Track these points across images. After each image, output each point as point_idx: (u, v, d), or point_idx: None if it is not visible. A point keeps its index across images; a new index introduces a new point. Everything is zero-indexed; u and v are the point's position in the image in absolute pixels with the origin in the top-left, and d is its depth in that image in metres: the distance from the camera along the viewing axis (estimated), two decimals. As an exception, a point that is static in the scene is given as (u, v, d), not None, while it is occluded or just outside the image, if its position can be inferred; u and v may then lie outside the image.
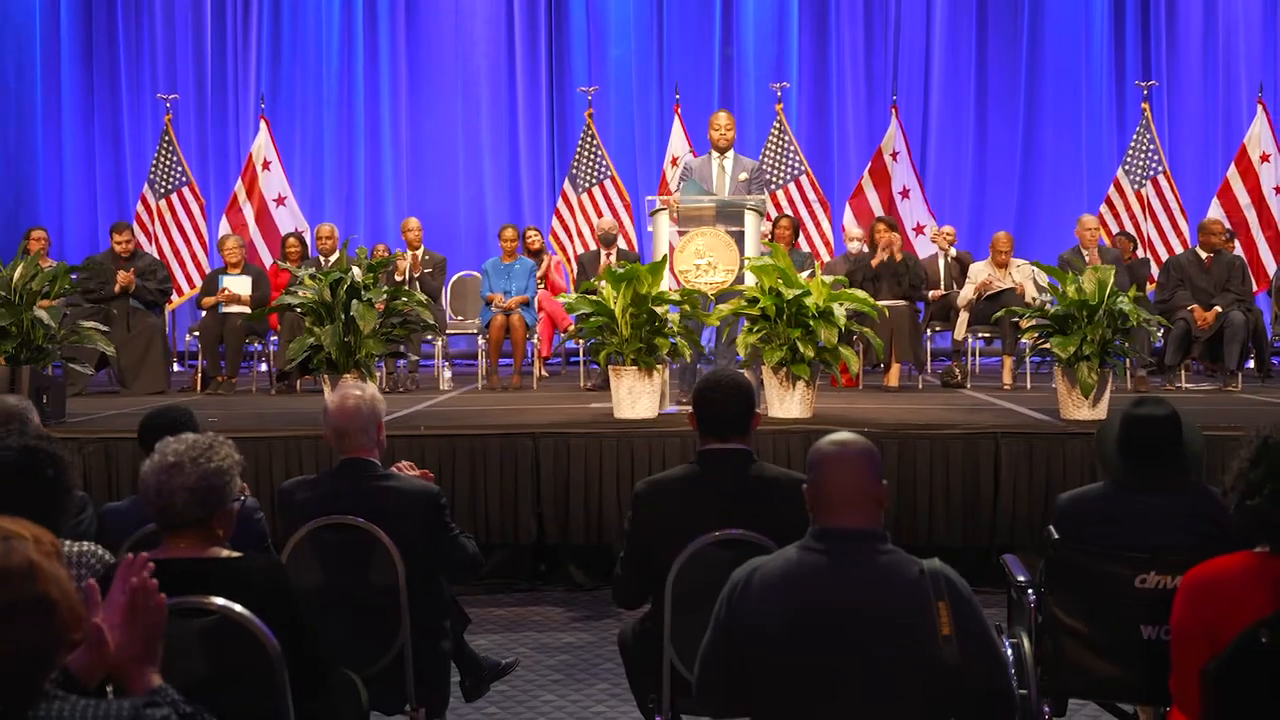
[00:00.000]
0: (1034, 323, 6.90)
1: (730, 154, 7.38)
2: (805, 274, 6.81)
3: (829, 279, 6.64)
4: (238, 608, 2.50)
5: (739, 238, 6.91)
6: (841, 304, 6.42)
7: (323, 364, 6.41)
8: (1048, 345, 6.52)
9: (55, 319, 6.75)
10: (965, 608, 2.38)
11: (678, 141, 11.35)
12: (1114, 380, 8.32)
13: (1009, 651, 3.43)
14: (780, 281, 6.32)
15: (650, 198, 7.18)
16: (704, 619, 2.57)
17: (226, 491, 2.71)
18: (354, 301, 6.32)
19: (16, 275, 6.79)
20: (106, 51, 12.65)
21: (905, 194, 11.38)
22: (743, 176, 7.28)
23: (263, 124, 11.50)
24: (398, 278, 9.11)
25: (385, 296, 6.54)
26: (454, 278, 10.46)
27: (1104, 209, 11.18)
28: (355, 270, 6.43)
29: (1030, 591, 3.43)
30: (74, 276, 7.42)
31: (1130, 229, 10.91)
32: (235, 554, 2.71)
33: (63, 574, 1.72)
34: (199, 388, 9.07)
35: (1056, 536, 3.34)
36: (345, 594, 3.37)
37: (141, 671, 1.97)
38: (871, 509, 2.45)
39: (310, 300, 6.40)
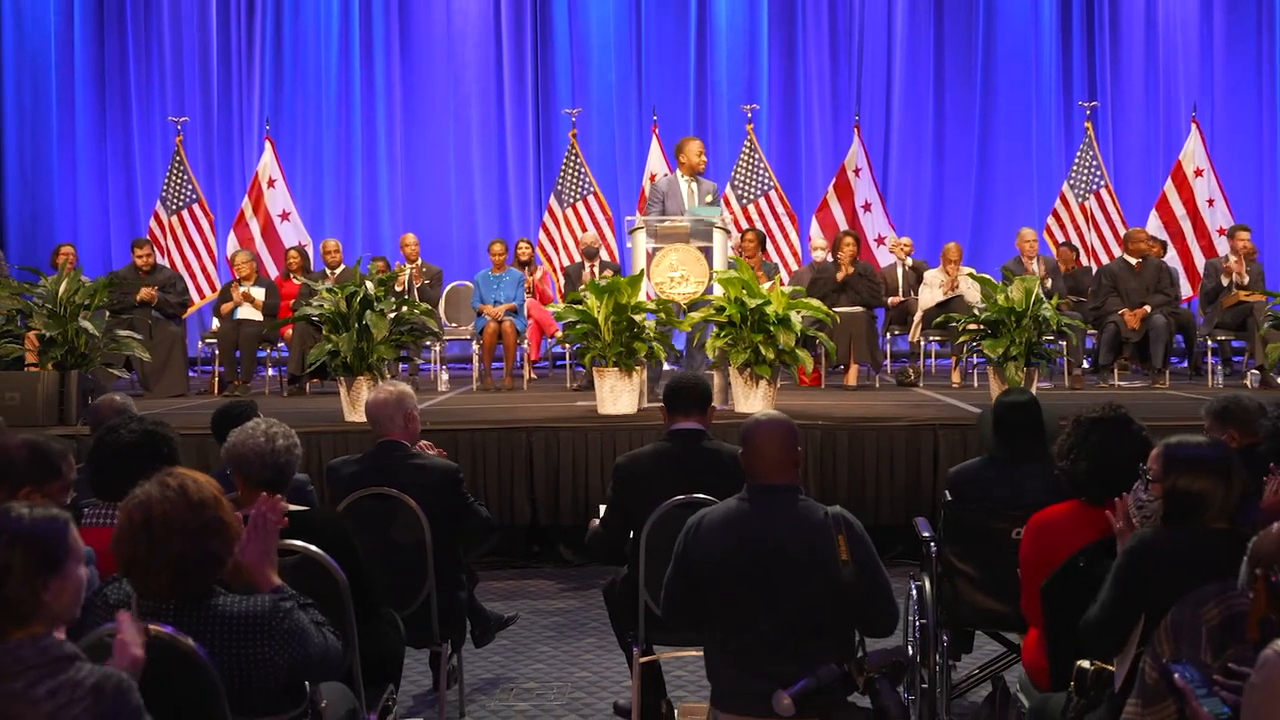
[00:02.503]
0: (969, 327, 7.74)
1: (699, 177, 8.20)
2: (767, 285, 7.63)
3: (788, 289, 7.48)
4: (314, 549, 3.31)
5: (708, 253, 7.75)
6: (799, 312, 7.26)
7: (340, 368, 7.19)
8: (980, 347, 7.38)
9: (99, 329, 7.51)
10: (859, 541, 3.20)
11: (655, 160, 12.09)
12: (1052, 379, 9.26)
13: (912, 590, 4.31)
14: (744, 292, 7.15)
15: (629, 217, 7.98)
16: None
17: (293, 462, 3.52)
18: (367, 312, 7.11)
19: (62, 290, 7.56)
20: (118, 76, 13.25)
21: (867, 207, 12.16)
22: (708, 199, 8.11)
23: (268, 144, 12.20)
24: (398, 289, 9.90)
25: (395, 307, 7.33)
26: (448, 287, 11.19)
27: (1051, 221, 12.01)
28: (368, 284, 7.21)
29: (932, 544, 4.27)
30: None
31: (1075, 240, 11.73)
32: (303, 508, 3.51)
33: (228, 504, 2.54)
34: (216, 390, 9.83)
35: (950, 499, 4.19)
36: (382, 550, 4.17)
37: (266, 575, 2.77)
38: (789, 469, 3.27)
39: (328, 311, 7.19)
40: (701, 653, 3.41)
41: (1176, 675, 2.50)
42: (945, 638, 4.20)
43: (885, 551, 5.98)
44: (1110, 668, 2.94)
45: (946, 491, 4.23)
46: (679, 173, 8.24)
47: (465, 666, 4.82)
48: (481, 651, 5.18)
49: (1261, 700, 2.17)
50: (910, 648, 4.22)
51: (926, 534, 4.34)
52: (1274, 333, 7.90)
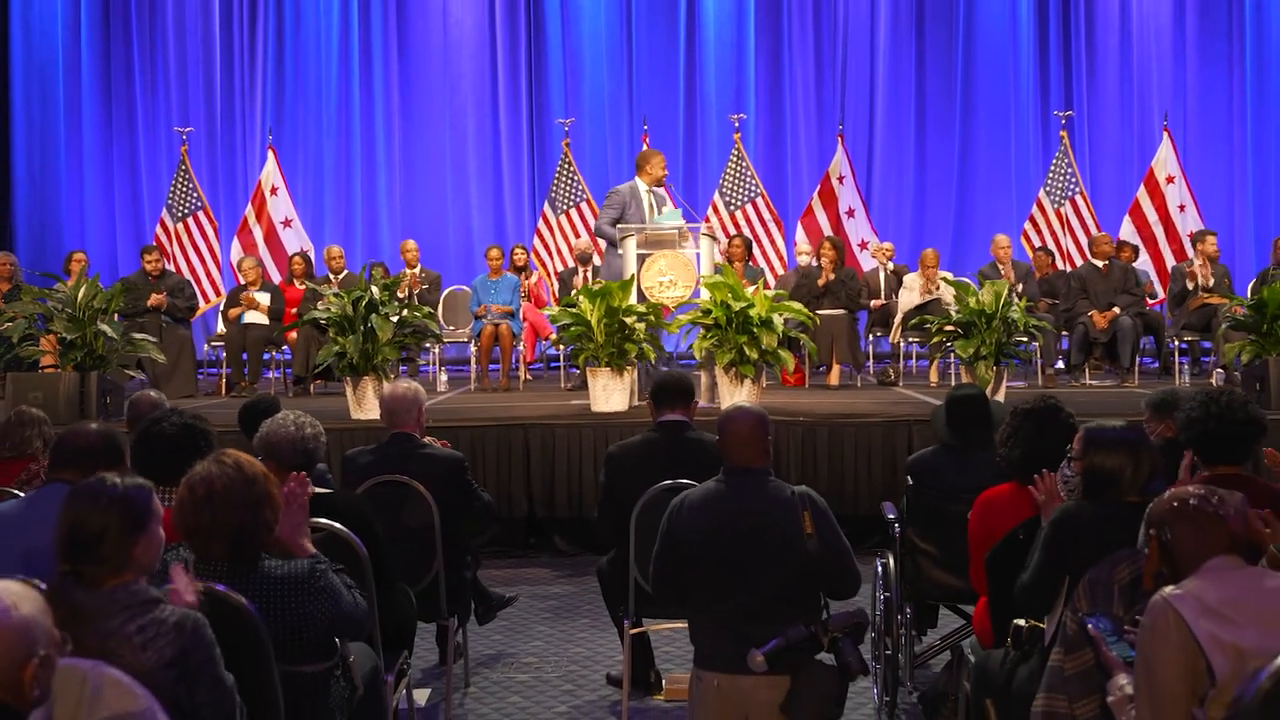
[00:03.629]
0: (945, 328, 8.16)
1: (654, 189, 8.63)
2: (751, 288, 8.04)
3: (771, 293, 7.89)
4: (339, 526, 3.72)
5: (696, 259, 8.17)
6: (781, 314, 7.67)
7: (346, 368, 7.59)
8: (952, 347, 7.80)
9: (117, 332, 7.90)
10: (822, 517, 3.61)
11: (647, 167, 12.50)
12: (1026, 378, 9.69)
13: (878, 567, 4.72)
14: (730, 295, 7.56)
15: (621, 225, 8.39)
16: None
17: (319, 449, 3.93)
18: (373, 315, 7.52)
19: (80, 295, 7.96)
20: (124, 87, 13.60)
21: (851, 213, 12.58)
22: (665, 208, 8.53)
23: (270, 153, 12.58)
24: (400, 294, 10.29)
25: (398, 310, 7.73)
26: (445, 292, 11.57)
27: (1028, 226, 12.43)
28: (374, 289, 7.61)
29: (895, 526, 4.68)
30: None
31: (1050, 245, 12.16)
32: (328, 491, 3.91)
33: (275, 480, 2.94)
34: (223, 391, 10.22)
35: (911, 484, 4.61)
36: (395, 532, 4.57)
37: (302, 545, 3.18)
38: (760, 453, 3.67)
39: (335, 315, 7.60)
40: (685, 625, 3.82)
41: (1090, 626, 2.92)
42: (908, 610, 4.62)
43: (862, 541, 6.44)
44: (1042, 625, 3.36)
45: (908, 477, 4.65)
46: (640, 181, 8.61)
47: (469, 643, 5.23)
48: (484, 630, 5.59)
49: (1150, 638, 2.60)
50: (876, 619, 4.64)
51: (891, 516, 4.76)
52: (1232, 333, 8.31)
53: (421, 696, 4.90)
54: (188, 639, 2.38)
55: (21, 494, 4.00)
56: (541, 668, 5.33)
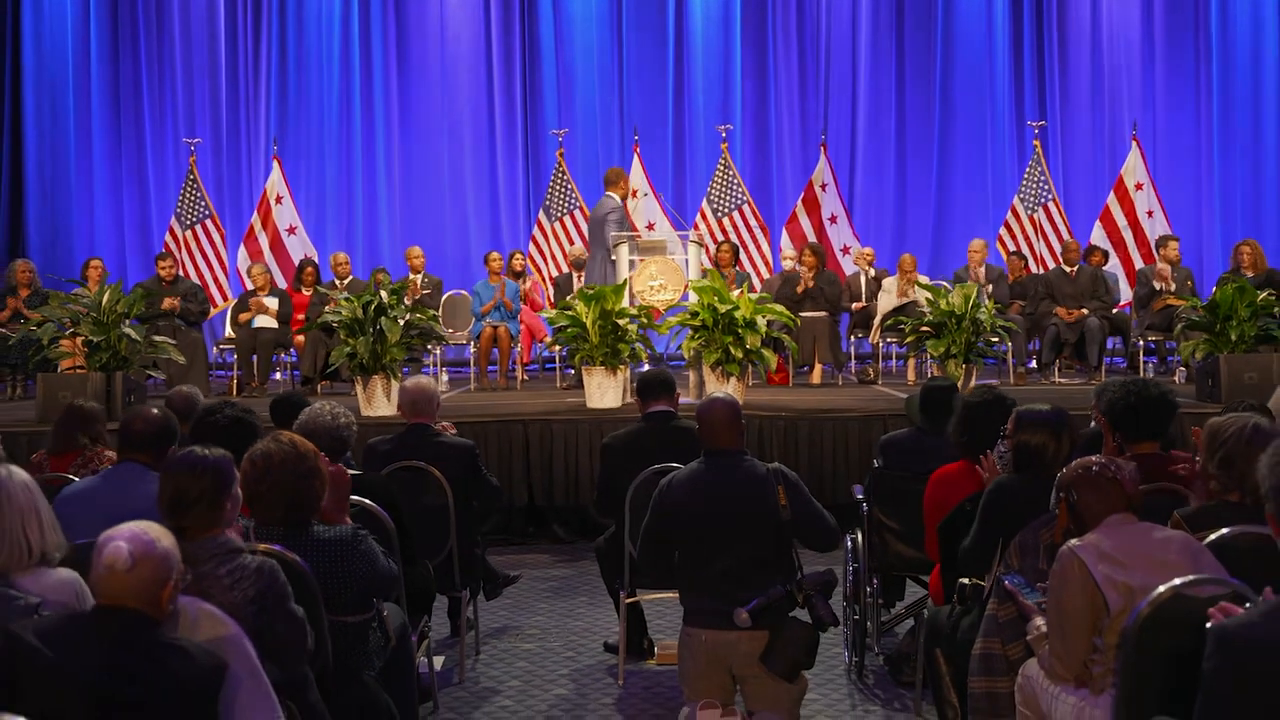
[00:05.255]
0: (921, 329, 8.69)
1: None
2: (736, 292, 8.56)
3: (755, 296, 8.42)
4: (369, 502, 4.23)
5: (685, 264, 8.71)
6: (764, 316, 8.19)
7: (357, 368, 8.09)
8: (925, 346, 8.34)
9: (140, 335, 8.38)
10: (794, 489, 4.13)
11: (637, 176, 12.98)
12: (999, 376, 10.22)
13: (848, 543, 5.25)
14: (716, 299, 8.09)
15: (613, 234, 8.91)
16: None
17: (351, 437, 4.44)
18: (382, 318, 8.03)
19: (105, 300, 8.45)
20: (132, 100, 14.05)
21: (833, 220, 13.10)
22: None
23: (275, 164, 13.06)
24: (406, 301, 10.79)
25: (405, 313, 8.23)
26: (445, 295, 12.06)
27: (1003, 232, 12.95)
28: (383, 293, 8.12)
29: (864, 503, 5.20)
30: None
31: (1025, 249, 12.69)
32: (358, 472, 4.43)
33: (324, 458, 3.45)
34: (234, 391, 10.67)
35: (878, 465, 5.13)
36: (414, 511, 5.07)
37: (342, 519, 3.69)
38: (735, 437, 4.17)
39: (347, 318, 8.10)
40: (675, 596, 4.33)
41: (1006, 581, 3.46)
42: (875, 581, 5.14)
43: (840, 526, 6.94)
44: (983, 583, 3.88)
45: (876, 459, 5.17)
46: (616, 196, 9.25)
47: (478, 618, 5.73)
48: (491, 605, 6.10)
49: (1058, 582, 3.12)
50: (845, 588, 5.16)
51: (859, 495, 5.28)
52: (1189, 333, 8.84)
53: (437, 663, 5.41)
54: (265, 580, 2.89)
55: (77, 478, 4.50)
56: (545, 638, 5.84)
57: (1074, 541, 3.10)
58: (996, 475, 3.96)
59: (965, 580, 3.94)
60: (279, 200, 13.01)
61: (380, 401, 8.04)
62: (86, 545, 2.99)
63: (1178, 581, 2.80)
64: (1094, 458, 3.26)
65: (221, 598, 2.81)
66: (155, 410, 4.10)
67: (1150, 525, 3.14)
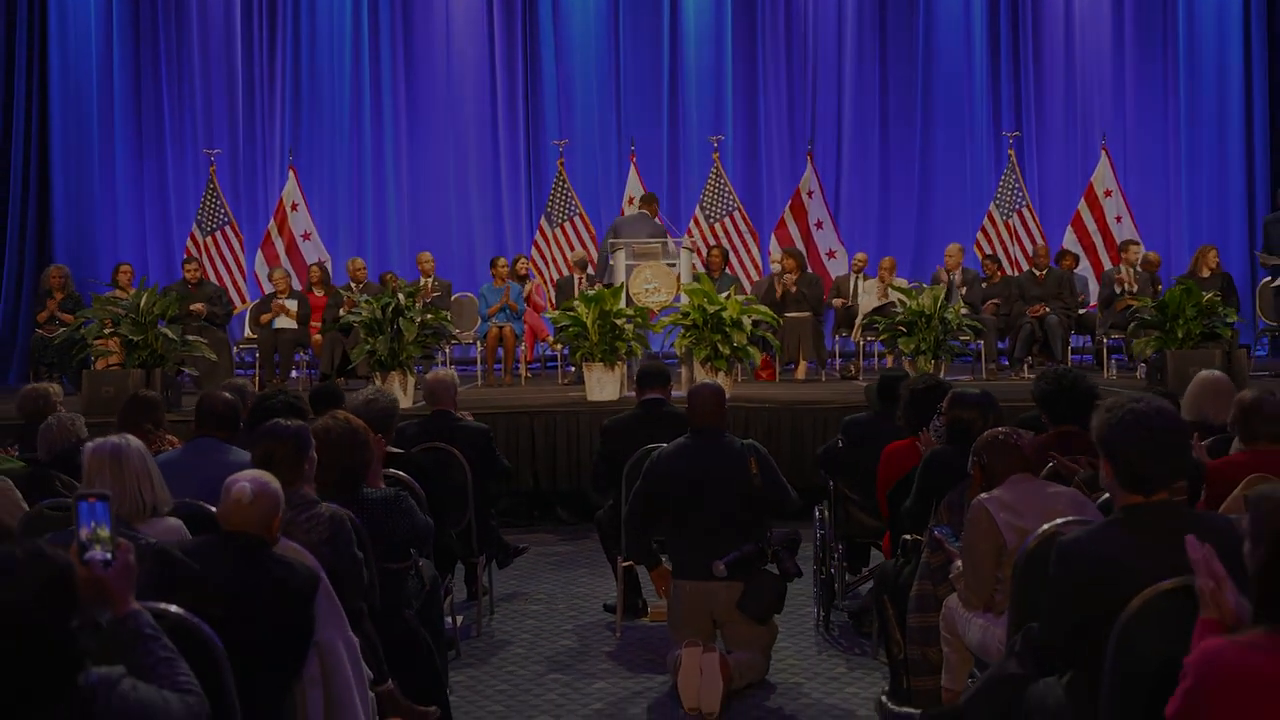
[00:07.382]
0: (890, 327, 9.42)
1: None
2: (724, 294, 9.29)
3: (742, 298, 9.15)
4: (404, 474, 4.96)
5: (677, 269, 9.45)
6: (750, 316, 8.93)
7: (376, 365, 8.82)
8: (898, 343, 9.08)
9: (176, 334, 9.10)
10: (764, 461, 4.87)
11: (633, 184, 13.66)
12: (972, 372, 10.95)
13: (816, 513, 5.98)
14: (705, 300, 8.82)
15: (611, 240, 9.64)
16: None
17: (395, 417, 5.17)
18: (399, 318, 8.76)
19: (143, 302, 9.16)
20: (153, 112, 14.68)
21: (820, 225, 13.81)
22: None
23: (290, 172, 13.76)
24: (418, 303, 11.50)
25: (421, 314, 8.96)
26: (453, 298, 12.75)
27: (980, 236, 13.66)
28: (400, 295, 8.85)
29: (825, 475, 5.94)
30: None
31: (1000, 253, 13.41)
32: (399, 450, 5.16)
33: (372, 432, 4.19)
34: (258, 388, 11.38)
35: (840, 444, 5.87)
36: (437, 487, 5.80)
37: (376, 480, 4.40)
38: (719, 417, 4.93)
39: (367, 318, 8.83)
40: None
41: (935, 532, 4.19)
42: (841, 547, 5.88)
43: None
44: (921, 538, 4.62)
45: (839, 439, 5.90)
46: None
47: (492, 583, 6.47)
48: (502, 574, 6.83)
49: (969, 530, 3.86)
50: (815, 552, 5.90)
51: (821, 467, 6.03)
52: (1141, 330, 9.55)
53: (458, 620, 6.14)
54: (335, 526, 3.62)
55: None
56: (551, 602, 6.57)
57: (983, 495, 3.84)
58: (933, 447, 4.69)
59: (907, 537, 4.68)
60: (294, 207, 13.70)
61: (398, 395, 8.75)
62: (179, 503, 3.75)
63: (1059, 521, 3.53)
64: (1001, 428, 4.00)
65: (301, 538, 3.53)
66: (227, 394, 4.83)
67: (1045, 482, 3.88)
